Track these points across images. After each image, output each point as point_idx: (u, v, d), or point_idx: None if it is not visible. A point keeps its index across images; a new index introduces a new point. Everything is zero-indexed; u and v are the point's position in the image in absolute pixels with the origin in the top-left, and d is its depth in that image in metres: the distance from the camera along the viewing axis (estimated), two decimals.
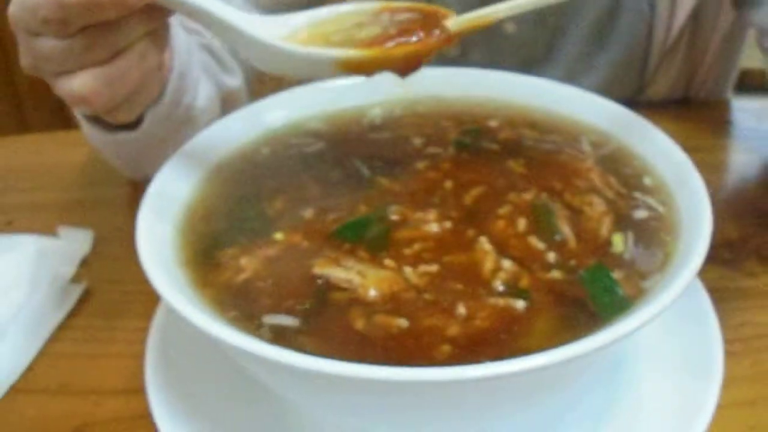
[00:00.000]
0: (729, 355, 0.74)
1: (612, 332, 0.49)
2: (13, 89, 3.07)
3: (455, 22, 0.69)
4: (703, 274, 0.83)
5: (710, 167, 1.07)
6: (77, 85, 0.69)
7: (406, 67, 0.70)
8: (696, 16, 1.16)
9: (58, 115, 3.11)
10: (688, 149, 1.10)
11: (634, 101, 1.22)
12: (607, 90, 0.82)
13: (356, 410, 0.59)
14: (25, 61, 0.71)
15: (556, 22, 1.13)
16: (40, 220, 1.04)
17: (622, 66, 1.20)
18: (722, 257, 0.91)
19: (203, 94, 0.97)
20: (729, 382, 0.71)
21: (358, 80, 0.86)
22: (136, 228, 0.65)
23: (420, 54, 0.68)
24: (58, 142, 1.32)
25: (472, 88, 0.87)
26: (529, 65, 1.20)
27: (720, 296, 0.81)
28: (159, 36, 0.73)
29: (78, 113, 0.88)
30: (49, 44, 0.68)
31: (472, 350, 0.54)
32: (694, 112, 1.26)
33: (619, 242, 0.64)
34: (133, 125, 0.86)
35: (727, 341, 0.75)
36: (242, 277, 0.63)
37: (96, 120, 0.86)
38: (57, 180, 1.18)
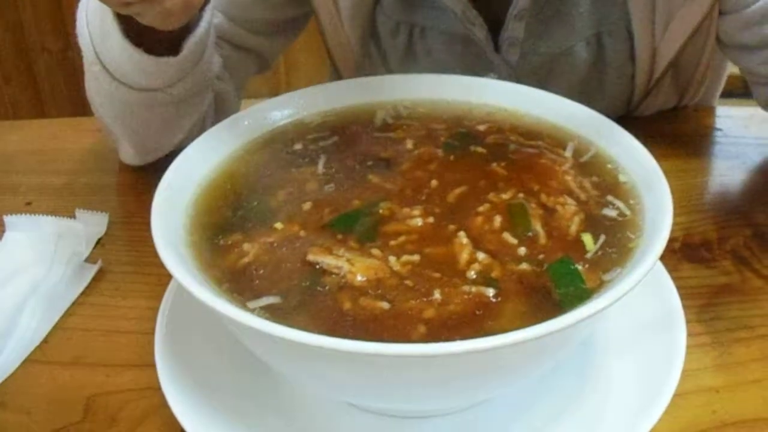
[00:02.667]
0: (699, 346, 0.80)
1: (568, 318, 0.54)
2: (32, 77, 3.10)
3: None
4: (681, 272, 0.90)
5: (697, 171, 1.13)
6: None
7: None
8: (677, 61, 1.20)
9: (73, 103, 3.16)
10: (679, 154, 1.15)
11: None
12: None
13: (338, 382, 0.64)
14: None
15: (538, 82, 1.14)
16: (56, 202, 1.09)
17: (607, 110, 1.25)
18: (701, 256, 0.94)
19: (216, 63, 1.05)
20: (697, 371, 0.78)
21: (361, 81, 0.93)
22: (150, 213, 0.70)
23: None
24: (74, 127, 1.35)
25: (468, 94, 0.91)
26: None
27: (695, 292, 0.88)
28: None
29: (123, 55, 0.92)
30: None
31: (444, 331, 0.59)
32: (685, 120, 1.29)
33: (587, 239, 0.69)
34: (174, 53, 0.93)
35: (698, 334, 0.82)
36: (244, 260, 0.68)
37: (145, 46, 0.91)
38: (73, 164, 1.21)
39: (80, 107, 3.12)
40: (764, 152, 1.17)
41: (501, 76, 1.16)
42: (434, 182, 0.77)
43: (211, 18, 0.96)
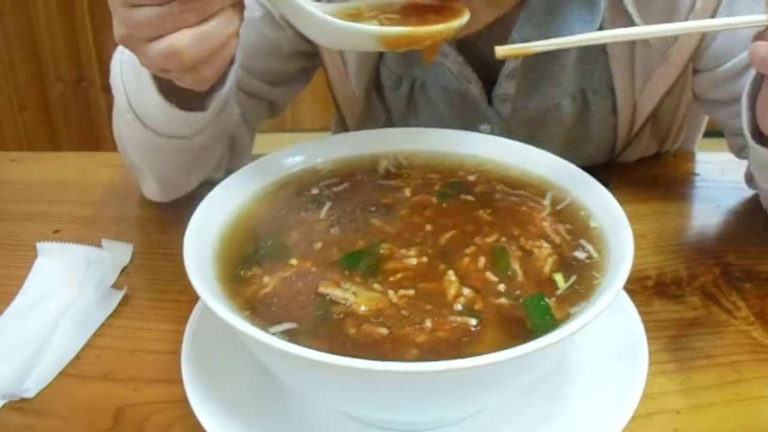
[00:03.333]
0: (664, 373, 0.87)
1: (537, 343, 0.61)
2: (46, 106, 3.14)
3: (502, 49, 0.82)
4: (652, 306, 0.95)
5: (674, 214, 1.19)
6: (173, 40, 0.77)
7: (432, 46, 0.83)
8: (656, 113, 1.26)
9: (86, 131, 3.22)
10: (658, 198, 1.19)
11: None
12: None
13: (343, 394, 0.70)
14: (119, 31, 0.80)
15: (528, 133, 1.21)
16: (83, 232, 1.15)
17: (592, 158, 1.29)
18: (671, 293, 1.00)
19: (236, 112, 1.11)
20: (660, 394, 0.84)
21: (365, 133, 0.99)
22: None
23: (443, 35, 0.82)
24: (96, 161, 1.41)
25: (461, 146, 0.97)
26: None
27: (664, 325, 0.94)
28: (239, 6, 0.81)
29: (156, 108, 0.97)
30: (146, 12, 0.76)
31: (434, 353, 0.66)
32: (665, 165, 1.35)
33: (558, 278, 0.75)
34: (201, 105, 0.97)
35: (664, 362, 0.88)
36: (264, 291, 0.74)
37: (176, 101, 0.96)
38: (97, 197, 1.28)
39: (92, 136, 3.22)
40: (738, 195, 1.23)
41: (494, 128, 1.22)
42: (428, 227, 0.83)
43: (235, 75, 1.01)
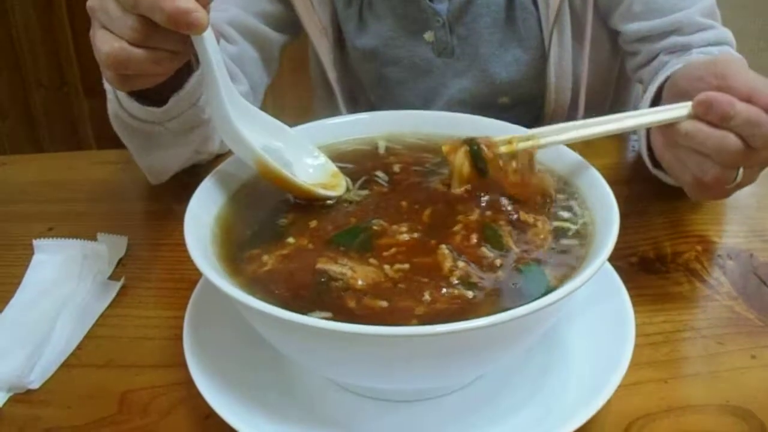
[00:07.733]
0: (651, 345, 0.89)
1: (530, 307, 0.64)
2: (28, 112, 3.12)
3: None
4: (638, 281, 0.97)
5: (656, 196, 1.20)
6: (105, 43, 0.82)
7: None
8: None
9: (68, 137, 3.21)
10: (639, 180, 1.21)
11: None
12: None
13: (346, 364, 0.72)
14: (92, 2, 0.84)
15: (466, 33, 1.36)
16: (76, 228, 1.15)
17: (527, 67, 1.39)
18: (656, 269, 1.03)
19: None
20: (648, 364, 0.87)
21: (363, 116, 1.03)
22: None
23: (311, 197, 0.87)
24: (88, 159, 1.44)
25: (456, 129, 0.98)
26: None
27: (650, 299, 0.97)
28: (179, 59, 0.86)
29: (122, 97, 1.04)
30: (115, 7, 0.81)
31: (433, 323, 0.66)
32: None
33: (548, 249, 0.78)
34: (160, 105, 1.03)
35: (651, 334, 0.91)
36: (264, 269, 0.76)
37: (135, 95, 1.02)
38: (89, 194, 1.30)
39: (75, 141, 3.21)
40: None
41: (437, 33, 1.37)
42: (417, 205, 0.86)
43: (196, 83, 1.05)
